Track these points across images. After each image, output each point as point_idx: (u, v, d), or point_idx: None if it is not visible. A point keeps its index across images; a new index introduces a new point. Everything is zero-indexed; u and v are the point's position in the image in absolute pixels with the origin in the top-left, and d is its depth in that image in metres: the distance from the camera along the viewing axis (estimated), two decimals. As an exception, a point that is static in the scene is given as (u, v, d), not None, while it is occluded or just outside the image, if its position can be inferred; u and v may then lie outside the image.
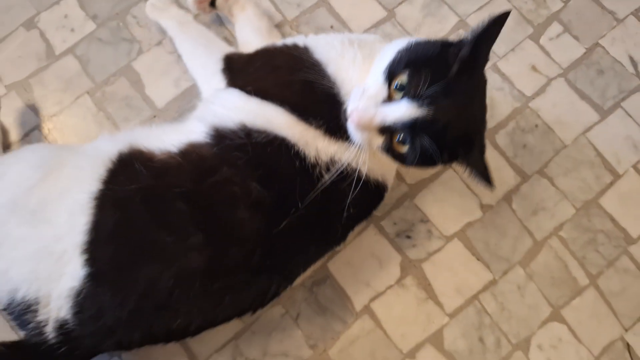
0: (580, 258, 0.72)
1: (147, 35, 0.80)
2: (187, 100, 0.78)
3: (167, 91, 0.78)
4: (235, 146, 0.55)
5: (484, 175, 0.54)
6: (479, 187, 0.73)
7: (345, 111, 0.54)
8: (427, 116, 0.48)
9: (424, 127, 0.49)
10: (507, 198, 0.74)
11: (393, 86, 0.51)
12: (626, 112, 0.78)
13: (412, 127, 0.49)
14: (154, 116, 0.77)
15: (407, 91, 0.49)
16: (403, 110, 0.49)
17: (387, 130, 0.51)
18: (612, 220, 0.74)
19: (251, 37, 0.74)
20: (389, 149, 0.53)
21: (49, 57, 0.79)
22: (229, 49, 0.68)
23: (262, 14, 0.75)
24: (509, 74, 0.78)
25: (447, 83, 0.49)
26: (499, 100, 0.77)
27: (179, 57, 0.78)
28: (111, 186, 0.53)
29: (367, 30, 0.80)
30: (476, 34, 0.49)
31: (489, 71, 0.78)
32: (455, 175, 0.75)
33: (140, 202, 0.53)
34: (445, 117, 0.49)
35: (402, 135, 0.51)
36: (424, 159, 0.51)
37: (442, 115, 0.49)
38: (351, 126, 0.52)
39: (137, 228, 0.53)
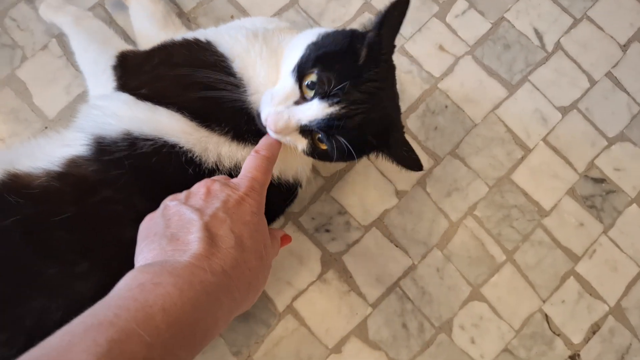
0: (495, 235, 0.73)
1: (30, 39, 0.74)
2: (80, 107, 0.72)
3: (58, 99, 0.72)
4: (114, 161, 0.51)
5: (407, 161, 0.54)
6: (393, 174, 0.74)
7: (259, 117, 0.51)
8: (340, 113, 0.47)
9: (339, 124, 0.47)
10: (421, 182, 0.73)
11: (304, 85, 0.49)
12: (533, 85, 0.78)
13: (327, 127, 0.48)
14: (45, 127, 0.71)
15: (317, 90, 0.47)
16: (315, 110, 0.47)
17: (307, 132, 0.50)
18: (525, 194, 0.75)
19: (146, 24, 0.69)
20: (314, 151, 0.51)
21: None
22: (127, 47, 0.63)
23: None
24: (416, 55, 0.77)
25: (356, 74, 0.48)
26: (408, 84, 0.76)
27: (68, 61, 0.73)
28: None
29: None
30: (380, 17, 0.49)
31: (396, 54, 0.76)
32: (369, 164, 0.73)
33: (19, 236, 0.48)
34: (358, 111, 0.48)
35: (320, 134, 0.49)
36: (344, 155, 0.50)
37: (354, 110, 0.47)
38: (270, 133, 0.50)
39: (19, 262, 0.48)
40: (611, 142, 0.78)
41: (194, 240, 0.37)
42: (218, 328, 0.36)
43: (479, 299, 0.71)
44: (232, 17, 0.76)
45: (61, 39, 0.74)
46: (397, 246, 0.71)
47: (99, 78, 0.60)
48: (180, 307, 0.32)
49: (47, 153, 0.54)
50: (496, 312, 0.71)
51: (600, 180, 0.76)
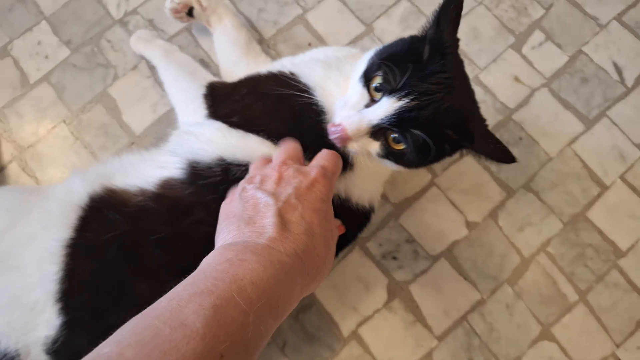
0: (569, 274, 0.71)
1: (122, 59, 0.79)
2: (164, 125, 0.76)
3: (145, 117, 0.77)
4: (209, 185, 0.53)
5: (496, 154, 0.51)
6: (464, 204, 0.73)
7: (330, 128, 0.52)
8: (410, 105, 0.47)
9: (412, 117, 0.47)
10: (493, 214, 0.72)
11: (372, 88, 0.50)
12: (612, 120, 0.76)
13: (399, 121, 0.48)
14: (132, 143, 0.76)
15: (385, 88, 0.48)
16: (384, 107, 0.48)
17: (379, 133, 0.50)
18: (601, 233, 0.72)
19: (229, 49, 0.73)
20: (388, 152, 0.51)
21: (24, 85, 0.78)
22: (214, 78, 0.66)
23: (240, 25, 0.73)
24: (491, 85, 0.77)
25: (422, 68, 0.48)
26: (482, 113, 0.75)
27: (156, 81, 0.78)
28: (84, 234, 0.52)
29: (345, 46, 0.78)
30: (437, 13, 0.49)
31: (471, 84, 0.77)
32: (439, 193, 0.73)
33: (116, 251, 0.52)
34: (429, 101, 0.47)
35: (394, 133, 0.49)
36: (425, 154, 0.49)
37: (425, 101, 0.47)
38: (337, 139, 0.51)
39: (113, 276, 0.52)
40: (695, 183, 0.74)
41: (269, 225, 0.40)
42: (292, 304, 0.39)
43: (549, 338, 0.69)
44: (309, 44, 0.78)
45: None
46: (466, 279, 0.70)
47: (189, 106, 0.63)
48: (265, 281, 0.34)
49: (142, 172, 0.57)
50: (567, 354, 0.69)
51: (682, 223, 0.73)
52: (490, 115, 0.76)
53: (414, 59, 0.49)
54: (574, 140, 0.75)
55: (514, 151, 0.75)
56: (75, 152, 0.76)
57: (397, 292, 0.70)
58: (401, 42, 0.53)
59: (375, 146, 0.51)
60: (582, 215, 0.73)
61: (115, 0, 0.80)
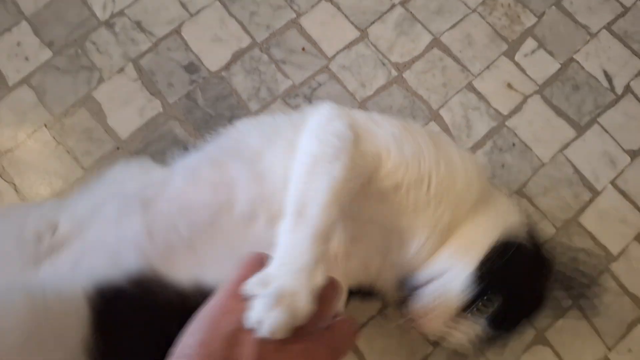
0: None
1: (107, 62, 0.76)
2: (151, 129, 0.74)
3: (131, 121, 0.74)
4: None
5: None
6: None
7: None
8: None
9: None
10: (488, 221, 0.73)
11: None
12: (602, 127, 0.77)
13: None
14: (118, 148, 0.73)
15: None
16: None
17: None
18: (593, 238, 0.73)
19: None
20: None
21: (2, 88, 0.75)
22: None
23: None
24: (484, 92, 0.77)
25: None
26: (475, 120, 0.76)
27: (143, 84, 0.76)
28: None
29: (339, 52, 0.77)
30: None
31: (464, 90, 0.77)
32: (434, 199, 0.73)
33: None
34: None
35: None
36: None
37: None
38: None
39: None
40: (681, 188, 0.76)
41: None
42: None
43: (543, 343, 0.69)
44: (303, 49, 0.77)
45: (137, 62, 0.76)
46: (461, 285, 0.70)
47: None
48: None
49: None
50: (560, 358, 0.69)
51: (669, 227, 0.74)
52: (483, 121, 0.76)
53: None
54: (565, 146, 0.76)
55: (507, 157, 0.76)
56: (57, 158, 0.73)
57: (393, 299, 0.70)
58: None
59: None
60: (575, 221, 0.74)
61: (101, 1, 0.77)
